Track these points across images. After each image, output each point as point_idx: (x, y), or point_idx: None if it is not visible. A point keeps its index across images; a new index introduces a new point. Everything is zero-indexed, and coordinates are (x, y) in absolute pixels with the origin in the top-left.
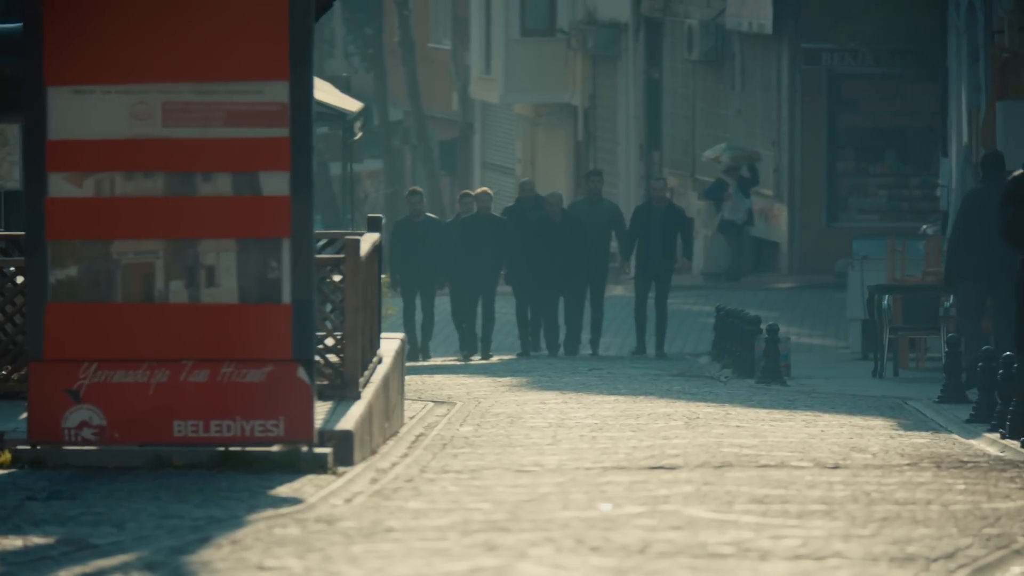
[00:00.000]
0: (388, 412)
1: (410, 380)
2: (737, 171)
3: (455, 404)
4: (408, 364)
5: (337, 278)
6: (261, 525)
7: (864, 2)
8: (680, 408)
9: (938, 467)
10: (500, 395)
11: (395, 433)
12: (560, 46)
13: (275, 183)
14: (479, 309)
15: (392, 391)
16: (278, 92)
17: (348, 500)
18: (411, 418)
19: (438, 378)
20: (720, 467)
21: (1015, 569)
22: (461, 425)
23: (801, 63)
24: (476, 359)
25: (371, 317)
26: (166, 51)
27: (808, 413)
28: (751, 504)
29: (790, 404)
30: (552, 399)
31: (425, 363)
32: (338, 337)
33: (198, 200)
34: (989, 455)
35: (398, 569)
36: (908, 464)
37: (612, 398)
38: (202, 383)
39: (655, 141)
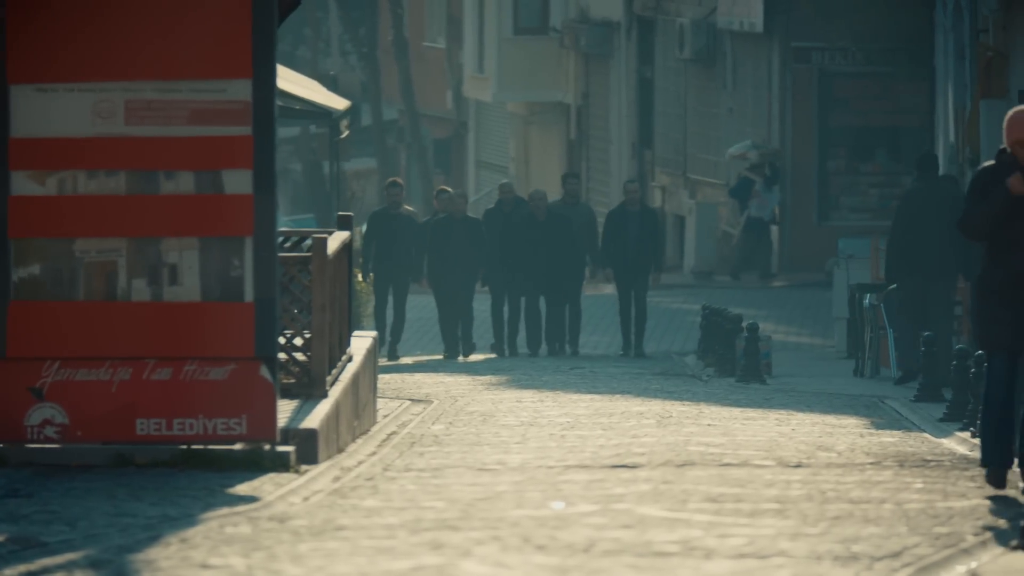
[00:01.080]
0: (358, 410)
1: (389, 378)
2: (763, 168)
3: (432, 402)
4: (391, 363)
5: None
6: (213, 523)
7: (854, 1)
8: (655, 407)
9: (900, 466)
10: (478, 393)
11: (366, 431)
12: (553, 45)
13: (238, 181)
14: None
15: (363, 389)
16: (241, 90)
17: (306, 498)
18: (385, 416)
19: (418, 376)
20: (682, 466)
21: (959, 568)
22: (433, 423)
23: (792, 62)
24: (461, 359)
25: (340, 315)
26: (129, 49)
27: (782, 412)
28: (705, 503)
29: (766, 403)
30: (528, 397)
31: (408, 361)
32: (306, 335)
33: (161, 198)
34: (955, 454)
35: (340, 567)
36: (871, 463)
37: (588, 396)
38: (165, 381)
39: (647, 140)
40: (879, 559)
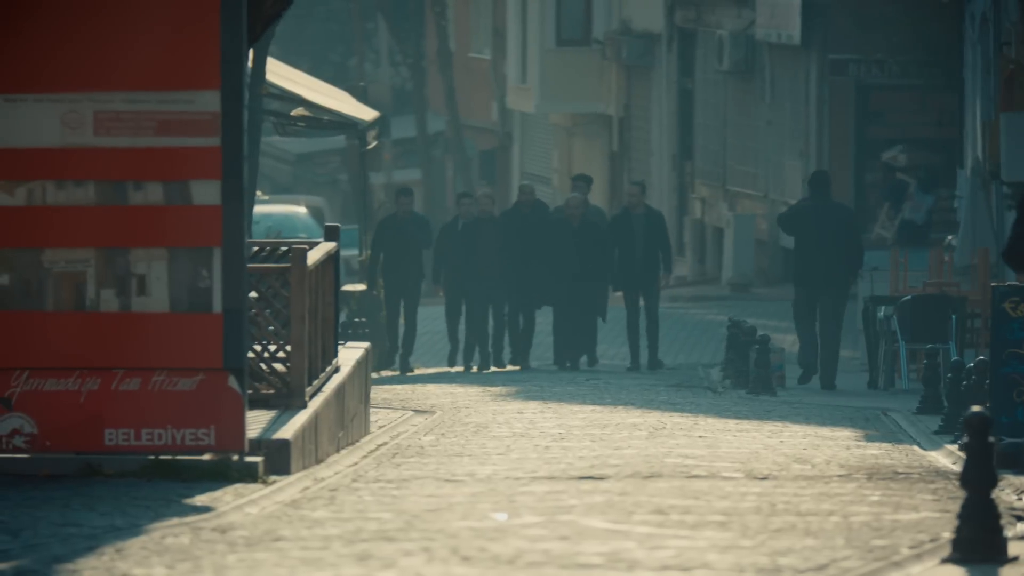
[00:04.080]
0: (344, 421)
1: (401, 389)
2: (919, 171)
3: (435, 413)
4: (404, 374)
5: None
6: (156, 534)
7: (890, 13)
8: (652, 418)
9: (868, 478)
10: (483, 405)
11: (354, 442)
12: (595, 56)
13: (206, 192)
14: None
15: (350, 400)
16: (209, 101)
17: (263, 509)
18: (381, 427)
19: (430, 387)
20: (649, 477)
21: None
22: (426, 435)
23: (829, 74)
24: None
25: (324, 326)
26: (97, 60)
27: (778, 424)
28: (651, 515)
29: (766, 415)
30: (531, 408)
31: (424, 372)
32: (286, 347)
33: (129, 209)
34: (934, 466)
35: None
36: (840, 476)
37: (590, 408)
38: (133, 391)
39: (687, 151)
40: (802, 572)
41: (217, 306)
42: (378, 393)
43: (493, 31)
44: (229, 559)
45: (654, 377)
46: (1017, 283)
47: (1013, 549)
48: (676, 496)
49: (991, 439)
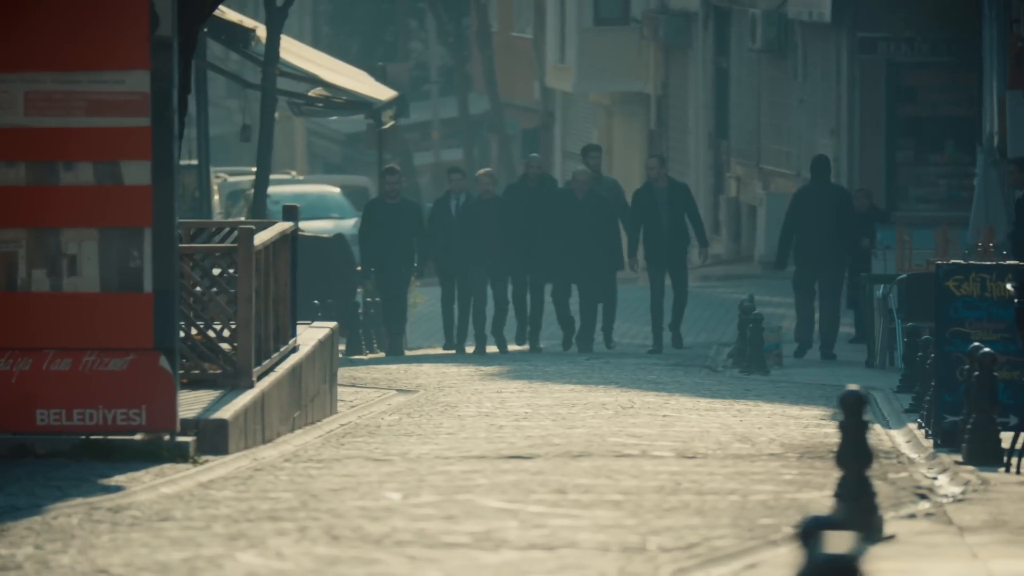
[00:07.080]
0: (302, 401)
1: (393, 369)
2: None
3: (417, 392)
4: (398, 355)
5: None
6: (50, 515)
7: None
8: (626, 397)
9: (799, 458)
10: (467, 384)
11: (314, 422)
12: (633, 35)
13: (136, 172)
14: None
15: (310, 380)
16: (139, 81)
17: (179, 489)
18: (353, 407)
19: (425, 367)
20: (578, 456)
21: (745, 560)
22: (392, 414)
23: (858, 52)
24: (492, 349)
25: (277, 307)
26: (27, 40)
27: (749, 403)
28: (551, 494)
29: (745, 393)
30: (511, 388)
31: (424, 352)
32: (233, 327)
33: (60, 189)
34: (879, 446)
35: (113, 558)
36: (772, 455)
37: (571, 387)
38: (65, 372)
39: (723, 130)
40: (669, 550)
41: (148, 286)
42: (370, 373)
43: (535, 10)
44: (103, 539)
45: (656, 356)
46: (961, 261)
47: (894, 528)
48: (589, 475)
49: (865, 417)
